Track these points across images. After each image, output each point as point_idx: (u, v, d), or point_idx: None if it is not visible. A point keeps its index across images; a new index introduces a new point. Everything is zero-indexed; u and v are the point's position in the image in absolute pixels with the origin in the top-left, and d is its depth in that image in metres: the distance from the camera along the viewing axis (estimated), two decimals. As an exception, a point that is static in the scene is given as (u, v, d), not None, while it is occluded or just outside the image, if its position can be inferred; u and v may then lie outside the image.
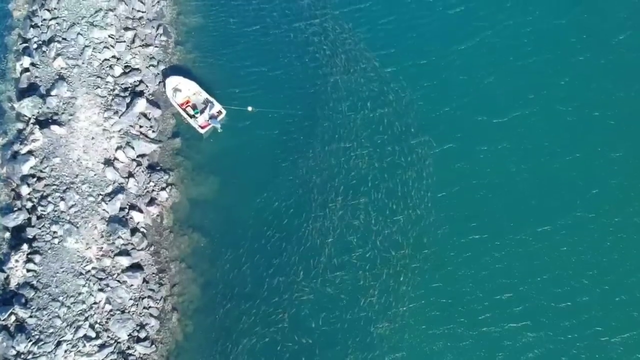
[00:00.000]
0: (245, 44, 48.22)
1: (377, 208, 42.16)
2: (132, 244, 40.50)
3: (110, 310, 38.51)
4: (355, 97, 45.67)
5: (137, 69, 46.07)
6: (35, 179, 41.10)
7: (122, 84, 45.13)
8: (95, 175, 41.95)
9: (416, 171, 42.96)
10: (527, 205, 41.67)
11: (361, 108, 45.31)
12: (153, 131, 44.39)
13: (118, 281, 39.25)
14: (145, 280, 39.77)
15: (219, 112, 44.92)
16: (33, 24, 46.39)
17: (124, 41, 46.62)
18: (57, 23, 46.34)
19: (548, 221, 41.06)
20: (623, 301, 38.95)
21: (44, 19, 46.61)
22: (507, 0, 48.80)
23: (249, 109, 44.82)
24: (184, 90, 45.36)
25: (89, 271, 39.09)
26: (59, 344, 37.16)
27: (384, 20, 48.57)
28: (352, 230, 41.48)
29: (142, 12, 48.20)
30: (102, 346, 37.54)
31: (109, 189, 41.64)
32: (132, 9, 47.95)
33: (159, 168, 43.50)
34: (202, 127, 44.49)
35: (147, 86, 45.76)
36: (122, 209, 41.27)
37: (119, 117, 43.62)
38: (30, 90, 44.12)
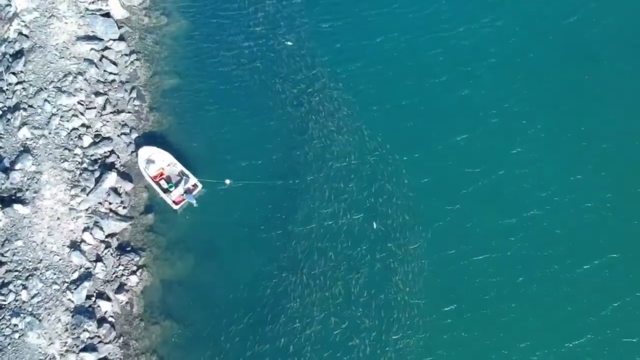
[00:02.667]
0: (224, 108, 45.43)
1: (363, 287, 39.46)
2: (98, 336, 37.81)
3: (74, 413, 35.91)
4: (338, 168, 42.86)
5: (108, 138, 43.32)
6: (-5, 265, 38.48)
7: (92, 155, 42.38)
8: (60, 260, 39.23)
9: (403, 252, 40.29)
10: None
11: (344, 179, 42.53)
12: (124, 207, 41.66)
13: (83, 379, 36.62)
14: (112, 377, 37.14)
15: (195, 186, 42.22)
16: (-2, 89, 43.76)
17: (95, 107, 43.90)
18: (23, 88, 43.59)
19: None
20: None
21: (10, 83, 43.83)
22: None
23: (227, 182, 42.14)
24: (157, 162, 42.64)
25: (51, 369, 36.47)
26: None
27: (371, 86, 45.81)
28: (336, 313, 38.76)
29: (115, 74, 45.45)
30: None
31: (75, 275, 38.93)
32: (104, 71, 45.20)
33: (129, 248, 40.76)
34: (176, 203, 41.76)
35: (118, 157, 43.03)
36: (88, 296, 38.59)
37: (87, 195, 40.88)
38: (-7, 163, 41.53)
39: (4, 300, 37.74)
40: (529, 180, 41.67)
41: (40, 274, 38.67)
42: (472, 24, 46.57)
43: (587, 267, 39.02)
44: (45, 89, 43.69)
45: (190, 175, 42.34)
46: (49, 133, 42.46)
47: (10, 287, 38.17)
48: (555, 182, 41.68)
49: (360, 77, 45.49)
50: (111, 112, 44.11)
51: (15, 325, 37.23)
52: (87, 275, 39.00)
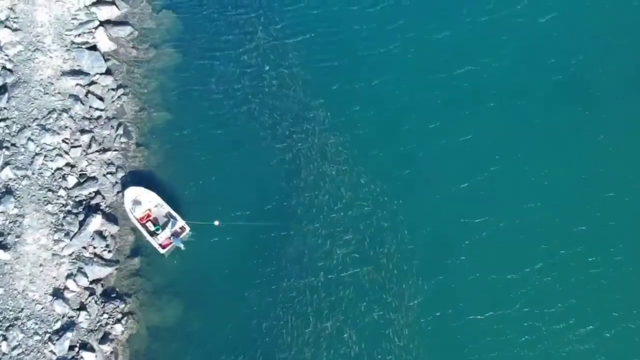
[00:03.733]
0: (213, 146, 44.00)
1: (356, 340, 38.14)
2: (81, 390, 36.53)
3: None
4: (332, 212, 41.47)
5: (93, 178, 42.01)
6: (-25, 315, 37.23)
7: (76, 197, 41.07)
8: (42, 308, 37.93)
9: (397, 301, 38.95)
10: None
11: (338, 224, 41.16)
12: (109, 251, 40.35)
13: None
14: None
15: (182, 229, 40.88)
16: (-20, 127, 42.45)
17: (80, 146, 42.59)
18: (6, 126, 42.28)
19: None
20: None
21: (-8, 121, 42.60)
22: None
23: (216, 223, 40.77)
24: (144, 203, 41.32)
25: None
26: None
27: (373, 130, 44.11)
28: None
29: (101, 110, 44.13)
30: None
31: (57, 325, 37.64)
32: (90, 107, 43.89)
33: (114, 295, 39.46)
34: (163, 247, 40.44)
35: (103, 197, 41.73)
36: (71, 347, 37.37)
37: (71, 240, 39.56)
38: (-26, 206, 40.21)
39: (-16, 353, 36.49)
40: (532, 231, 39.95)
41: (22, 324, 37.39)
42: (472, 65, 44.81)
43: (593, 327, 37.45)
44: (29, 126, 42.38)
45: (178, 218, 41.02)
46: (33, 173, 41.15)
47: (-10, 337, 36.90)
48: (559, 234, 39.93)
49: (357, 120, 43.75)
50: (97, 151, 42.78)
51: (-6, 378, 35.98)
52: (70, 325, 37.70)
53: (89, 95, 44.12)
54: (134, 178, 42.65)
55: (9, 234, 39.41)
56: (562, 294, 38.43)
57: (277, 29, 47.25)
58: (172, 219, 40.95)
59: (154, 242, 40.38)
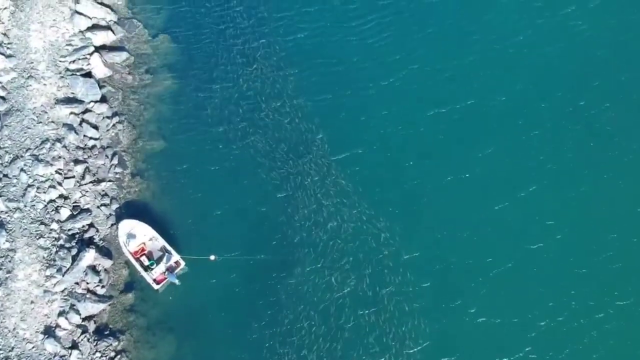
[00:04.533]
0: (210, 176, 43.15)
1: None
2: None
3: None
4: (332, 249, 40.55)
5: (87, 210, 41.15)
6: (-36, 354, 36.42)
7: (69, 230, 40.22)
8: (33, 347, 37.10)
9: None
10: None
11: (337, 261, 40.27)
12: (102, 286, 39.51)
13: None
14: None
15: (177, 264, 40.03)
16: (-29, 157, 41.66)
17: (73, 176, 41.76)
18: (-2, 155, 41.47)
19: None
20: None
21: (-15, 150, 41.76)
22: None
23: (212, 257, 39.91)
24: (138, 236, 40.46)
25: None
26: None
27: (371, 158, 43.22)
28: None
29: (95, 139, 43.26)
30: None
31: (49, 365, 36.81)
32: (84, 136, 43.02)
33: (107, 332, 38.63)
34: (158, 282, 39.61)
35: (97, 230, 40.88)
36: (62, 388, 36.45)
37: (63, 275, 38.73)
38: (-35, 240, 39.38)
39: (-27, 393, 35.65)
40: (539, 273, 38.86)
41: (12, 363, 36.55)
42: (476, 99, 43.83)
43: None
44: (22, 156, 41.54)
45: (173, 252, 40.16)
46: (25, 206, 40.31)
47: (-20, 378, 36.08)
48: (570, 282, 38.69)
49: (358, 154, 42.76)
50: (91, 182, 41.94)
51: (-17, 421, 35.14)
52: (61, 365, 36.90)
53: (84, 124, 43.26)
54: (129, 210, 41.80)
55: (0, 269, 38.55)
56: (570, 339, 37.41)
57: (277, 59, 46.38)
58: (167, 253, 40.11)
59: (148, 277, 39.55)
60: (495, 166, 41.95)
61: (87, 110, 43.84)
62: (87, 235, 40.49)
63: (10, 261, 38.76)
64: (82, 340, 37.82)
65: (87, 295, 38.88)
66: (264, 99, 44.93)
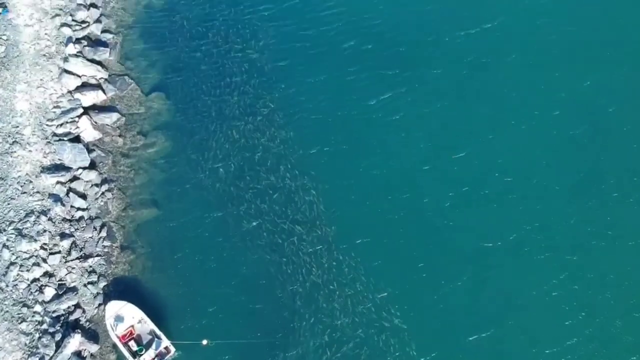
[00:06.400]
0: (204, 250, 40.82)
1: None
2: None
3: None
4: (331, 332, 38.19)
5: (73, 289, 38.93)
6: None
7: (54, 312, 37.99)
8: None
9: None
10: None
11: (338, 345, 37.90)
12: (88, 374, 37.27)
13: None
14: None
15: (167, 350, 37.73)
16: (-48, 232, 39.50)
17: (59, 252, 39.51)
18: (-21, 230, 39.26)
19: None
20: None
21: (-34, 223, 39.54)
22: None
23: (204, 342, 37.70)
24: (127, 319, 38.19)
25: None
26: None
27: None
28: None
29: (83, 209, 40.99)
30: None
31: None
32: (71, 207, 40.75)
33: None
34: (147, 370, 37.32)
35: (83, 311, 38.66)
36: None
37: (46, 365, 36.51)
38: (-57, 324, 37.24)
39: None
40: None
41: None
42: (475, 147, 42.20)
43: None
44: (4, 231, 39.32)
45: (163, 337, 37.84)
46: (7, 286, 38.13)
47: None
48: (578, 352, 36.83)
49: (358, 225, 40.59)
50: (77, 258, 39.70)
51: None
52: None
53: (71, 193, 41.03)
54: (117, 287, 39.58)
55: (-22, 357, 36.40)
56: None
57: (277, 117, 44.38)
58: (156, 338, 37.79)
59: (136, 365, 37.29)
60: (495, 226, 40.15)
61: (74, 178, 41.59)
62: (72, 317, 38.27)
63: (-11, 349, 36.59)
64: None
65: (72, 387, 36.68)
66: (260, 164, 42.83)
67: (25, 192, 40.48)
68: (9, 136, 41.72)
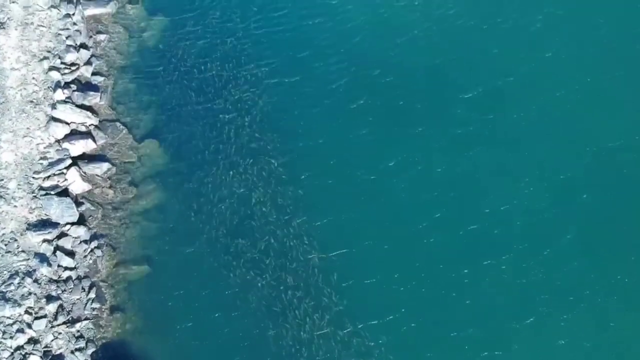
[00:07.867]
0: (199, 309, 38.57)
1: None
2: None
3: None
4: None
5: (60, 356, 36.85)
6: None
7: (38, 384, 35.89)
8: None
9: None
10: None
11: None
12: None
13: None
14: None
15: (158, 423, 35.56)
16: None
17: (45, 316, 37.35)
18: (-39, 293, 37.20)
19: None
20: None
21: (-53, 286, 37.48)
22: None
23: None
24: (115, 389, 36.07)
25: None
26: None
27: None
28: None
29: (71, 269, 38.85)
30: None
31: None
32: (58, 266, 38.61)
33: None
34: None
35: (70, 381, 36.51)
36: None
37: None
38: None
39: None
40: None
41: None
42: (479, 203, 39.60)
43: None
44: (-13, 294, 37.25)
45: (154, 410, 35.72)
46: (-11, 357, 36.04)
47: None
48: None
49: (358, 283, 38.31)
50: (64, 322, 37.55)
51: None
52: None
53: (58, 252, 38.88)
54: (106, 354, 37.49)
55: None
56: None
57: (276, 165, 41.97)
58: (146, 411, 35.67)
59: None
60: (501, 287, 37.52)
61: (62, 235, 39.43)
62: (58, 390, 36.15)
63: None
64: None
65: None
66: (263, 217, 40.49)
67: (9, 252, 38.38)
68: (-7, 191, 39.65)
